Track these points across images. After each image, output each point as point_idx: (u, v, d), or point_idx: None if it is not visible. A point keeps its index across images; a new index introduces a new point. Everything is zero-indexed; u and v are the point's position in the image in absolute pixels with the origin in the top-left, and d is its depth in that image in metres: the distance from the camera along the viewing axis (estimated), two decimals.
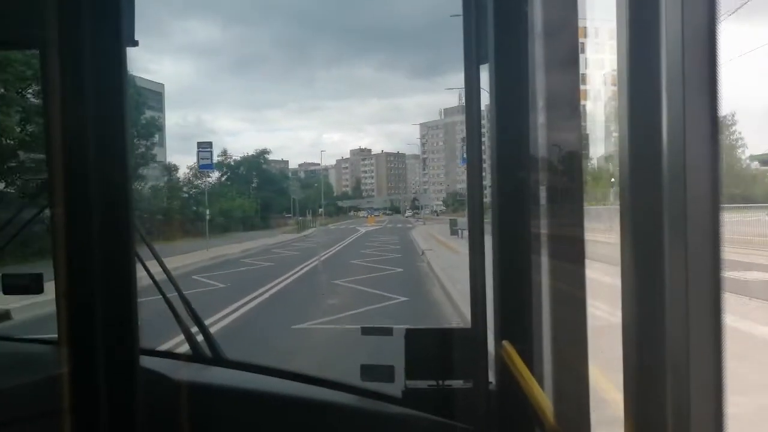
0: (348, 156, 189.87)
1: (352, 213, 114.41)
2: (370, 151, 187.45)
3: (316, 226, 54.84)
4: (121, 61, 1.31)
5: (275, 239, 34.54)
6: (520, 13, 1.59)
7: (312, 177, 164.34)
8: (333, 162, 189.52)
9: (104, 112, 1.29)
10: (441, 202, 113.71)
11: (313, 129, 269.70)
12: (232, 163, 66.78)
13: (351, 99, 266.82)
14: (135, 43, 1.49)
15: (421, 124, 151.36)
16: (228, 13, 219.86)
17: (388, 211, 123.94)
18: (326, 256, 24.41)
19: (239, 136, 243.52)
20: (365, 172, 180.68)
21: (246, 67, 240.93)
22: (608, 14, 0.77)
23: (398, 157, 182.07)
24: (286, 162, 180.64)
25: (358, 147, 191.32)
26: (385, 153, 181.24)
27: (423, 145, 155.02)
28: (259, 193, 62.24)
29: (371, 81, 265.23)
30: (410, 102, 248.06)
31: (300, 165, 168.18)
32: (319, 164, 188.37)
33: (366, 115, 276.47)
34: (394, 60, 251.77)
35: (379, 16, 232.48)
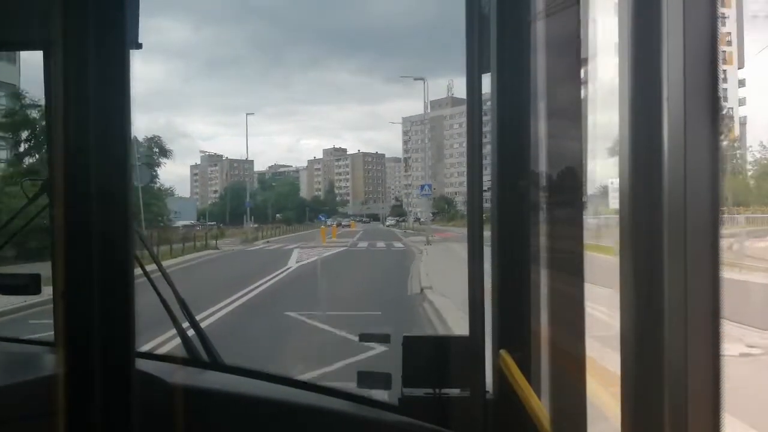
0: (321, 156, 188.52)
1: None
2: (345, 150, 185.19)
3: (218, 248, 34.02)
4: (124, 63, 1.45)
5: None
6: (522, 24, 1.78)
7: (278, 179, 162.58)
8: (304, 164, 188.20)
9: (106, 114, 1.41)
10: (424, 208, 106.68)
11: (290, 134, 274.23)
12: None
13: (328, 104, 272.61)
14: (139, 46, 1.64)
15: (403, 119, 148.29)
16: (201, 13, 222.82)
17: (364, 219, 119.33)
18: None
19: (213, 140, 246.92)
20: (339, 174, 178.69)
21: (220, 68, 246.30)
22: (610, 24, 0.86)
23: (377, 158, 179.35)
24: (251, 162, 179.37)
25: (332, 146, 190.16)
26: (363, 153, 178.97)
27: (405, 143, 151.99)
28: None
29: (348, 85, 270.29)
30: (388, 108, 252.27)
31: (269, 167, 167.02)
32: (290, 166, 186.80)
33: (343, 121, 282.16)
34: (372, 64, 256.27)
35: (357, 19, 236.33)
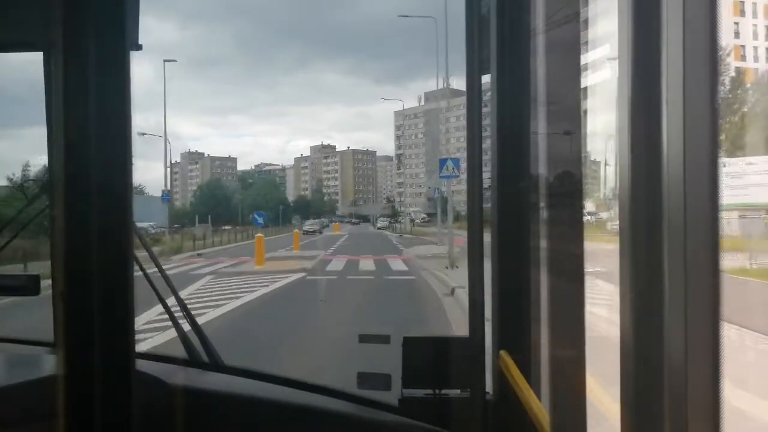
0: (308, 154, 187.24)
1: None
2: (334, 147, 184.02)
3: None
4: (124, 65, 1.50)
5: None
6: (522, 24, 1.87)
7: (259, 177, 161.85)
8: (291, 162, 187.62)
9: (107, 116, 1.46)
10: (419, 208, 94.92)
11: (280, 135, 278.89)
12: None
13: (317, 105, 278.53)
14: (139, 47, 1.70)
15: (395, 112, 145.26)
16: (186, 13, 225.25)
17: (354, 220, 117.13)
18: None
19: (204, 141, 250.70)
20: (328, 172, 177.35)
21: (207, 69, 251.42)
22: (610, 24, 0.88)
23: (368, 155, 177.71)
24: (234, 159, 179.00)
25: (320, 143, 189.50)
26: (352, 150, 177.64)
27: (398, 138, 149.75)
28: None
29: (338, 86, 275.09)
30: (379, 109, 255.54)
31: (255, 165, 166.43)
32: (277, 165, 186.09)
33: (333, 122, 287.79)
34: (361, 65, 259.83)
35: (346, 19, 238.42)
